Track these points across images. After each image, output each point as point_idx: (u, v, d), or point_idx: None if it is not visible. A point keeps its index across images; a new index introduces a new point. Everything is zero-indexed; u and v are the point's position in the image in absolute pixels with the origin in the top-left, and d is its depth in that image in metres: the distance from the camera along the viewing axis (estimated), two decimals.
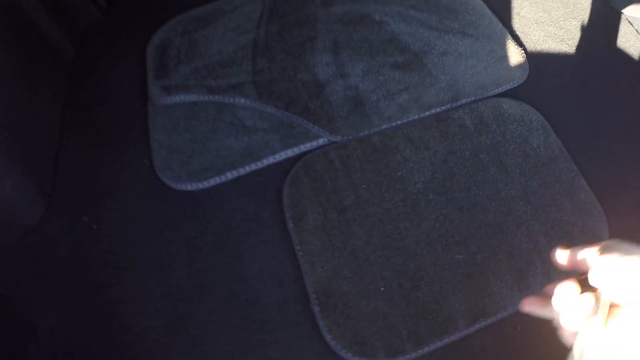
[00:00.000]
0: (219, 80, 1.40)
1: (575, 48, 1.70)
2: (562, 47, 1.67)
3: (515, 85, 1.51)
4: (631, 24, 1.83)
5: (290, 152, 1.29)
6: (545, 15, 1.79)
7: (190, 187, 1.27)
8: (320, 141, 1.31)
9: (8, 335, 1.20)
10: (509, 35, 1.62)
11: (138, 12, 1.74)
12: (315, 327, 1.11)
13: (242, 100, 1.36)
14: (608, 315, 0.48)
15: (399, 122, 1.35)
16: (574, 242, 1.19)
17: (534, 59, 1.61)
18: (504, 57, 1.57)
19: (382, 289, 1.12)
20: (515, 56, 1.56)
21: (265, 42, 1.48)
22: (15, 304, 1.24)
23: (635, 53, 1.72)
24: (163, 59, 1.47)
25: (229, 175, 1.27)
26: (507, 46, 1.58)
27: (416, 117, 1.37)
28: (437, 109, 1.39)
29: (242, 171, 1.27)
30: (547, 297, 0.53)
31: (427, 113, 1.38)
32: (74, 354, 1.17)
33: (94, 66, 1.57)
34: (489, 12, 1.69)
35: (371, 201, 1.22)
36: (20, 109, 1.32)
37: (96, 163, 1.38)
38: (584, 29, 1.78)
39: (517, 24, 1.72)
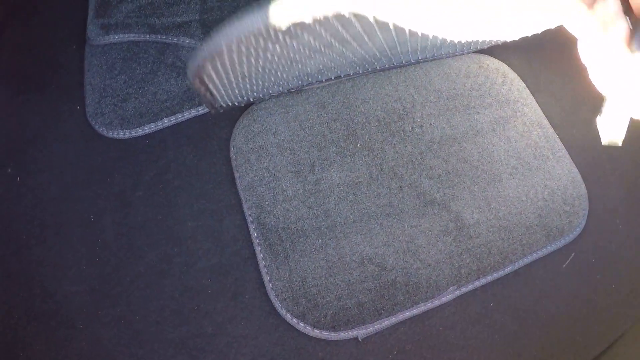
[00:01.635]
0: (164, 18, 1.24)
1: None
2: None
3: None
4: None
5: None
6: None
7: (122, 134, 1.12)
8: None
9: None
10: None
11: None
12: (263, 297, 0.96)
13: (187, 40, 1.20)
14: None
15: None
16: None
17: None
18: None
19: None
20: None
21: None
22: None
23: None
24: None
25: (166, 122, 1.12)
26: None
27: None
28: None
29: (180, 117, 1.12)
30: None
31: None
32: None
33: (33, 6, 1.41)
34: None
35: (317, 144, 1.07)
36: None
37: (25, 110, 1.23)
38: None
39: None
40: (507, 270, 1.01)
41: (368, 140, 1.11)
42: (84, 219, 1.08)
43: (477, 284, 1.00)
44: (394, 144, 1.11)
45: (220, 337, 0.96)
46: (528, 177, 1.10)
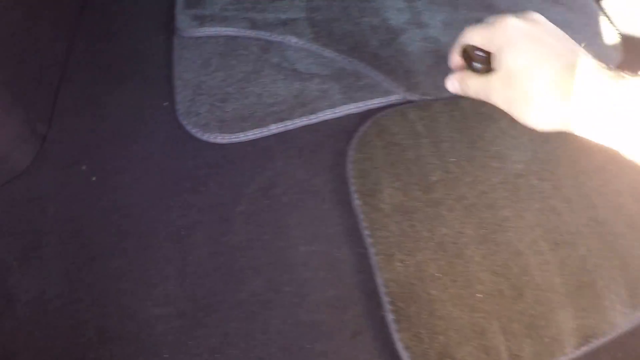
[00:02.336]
0: (266, 13, 1.12)
1: None
2: None
3: (611, 64, 1.25)
4: None
5: (354, 107, 1.00)
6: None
7: (221, 139, 0.99)
8: (393, 98, 1.02)
9: None
10: (602, 14, 1.37)
11: None
12: (386, 340, 0.82)
13: (294, 40, 1.07)
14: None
15: None
16: None
17: (627, 41, 1.37)
18: (599, 34, 1.32)
19: (480, 295, 0.83)
20: (609, 35, 1.32)
21: None
22: None
23: None
24: None
25: (273, 129, 0.99)
26: (602, 23, 1.34)
27: None
28: None
29: (290, 125, 0.99)
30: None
31: None
32: (56, 339, 0.89)
33: None
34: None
35: (464, 179, 0.93)
36: (21, 33, 1.05)
37: (104, 102, 1.11)
38: None
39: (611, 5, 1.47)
40: None
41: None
42: (173, 232, 0.95)
43: None
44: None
45: None
46: None
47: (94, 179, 1.03)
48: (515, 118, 0.65)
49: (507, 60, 0.63)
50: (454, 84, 0.74)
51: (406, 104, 1.03)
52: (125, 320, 0.90)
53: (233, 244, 0.91)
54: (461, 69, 0.74)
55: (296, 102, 1.00)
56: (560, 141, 1.03)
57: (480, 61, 0.69)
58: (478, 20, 1.14)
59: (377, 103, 1.01)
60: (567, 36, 0.66)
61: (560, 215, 0.94)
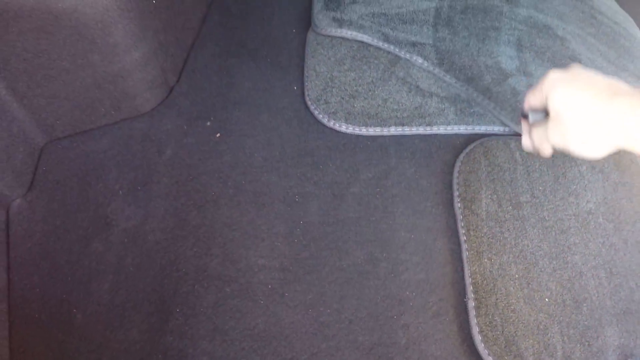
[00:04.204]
0: (398, 32, 1.26)
1: None
2: None
3: None
4: None
5: (464, 129, 1.15)
6: None
7: (346, 128, 1.11)
8: (498, 129, 1.17)
9: (75, 220, 1.02)
10: None
11: None
12: (462, 323, 0.94)
13: (420, 60, 1.21)
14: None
15: None
16: None
17: None
18: None
19: (547, 300, 0.96)
20: None
21: (448, 14, 1.35)
22: (97, 189, 1.06)
23: None
24: None
25: (393, 130, 1.12)
26: None
27: None
28: None
29: (408, 130, 1.12)
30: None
31: None
32: (148, 268, 0.98)
33: None
34: None
35: (546, 205, 1.08)
36: None
37: (235, 72, 1.23)
38: None
39: None
40: None
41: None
42: (288, 197, 1.06)
43: None
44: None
45: (411, 352, 0.93)
46: None
47: (218, 135, 1.14)
48: (572, 153, 0.73)
49: (553, 104, 0.71)
50: (525, 141, 0.84)
51: (509, 135, 1.16)
52: (227, 263, 1.00)
53: (342, 218, 1.03)
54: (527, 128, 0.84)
55: (416, 113, 1.13)
56: (625, 192, 1.17)
57: (535, 113, 0.79)
58: None
59: (483, 129, 1.15)
60: (603, 76, 0.72)
61: (618, 252, 1.08)
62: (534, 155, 1.12)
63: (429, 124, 1.12)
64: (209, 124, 1.16)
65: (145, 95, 1.16)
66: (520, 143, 1.10)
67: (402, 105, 1.14)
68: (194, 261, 1.01)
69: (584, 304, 1.00)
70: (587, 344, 0.96)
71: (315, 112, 1.13)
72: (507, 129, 1.17)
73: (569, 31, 1.48)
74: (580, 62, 1.39)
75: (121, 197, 1.08)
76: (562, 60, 1.37)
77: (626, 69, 1.47)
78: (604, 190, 1.16)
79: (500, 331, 0.93)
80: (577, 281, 1.01)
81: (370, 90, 1.16)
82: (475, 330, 0.92)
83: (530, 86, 1.22)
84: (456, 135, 1.14)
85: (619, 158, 1.23)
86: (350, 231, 1.02)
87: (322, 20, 1.26)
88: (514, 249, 1.00)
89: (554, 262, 1.02)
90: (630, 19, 1.72)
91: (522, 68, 1.29)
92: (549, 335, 0.95)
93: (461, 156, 1.09)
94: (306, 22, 1.32)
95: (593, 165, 1.18)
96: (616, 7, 1.74)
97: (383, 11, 1.30)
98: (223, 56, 1.27)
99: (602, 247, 1.08)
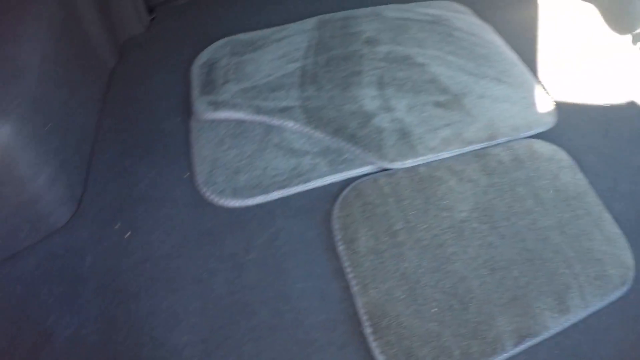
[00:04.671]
0: (268, 102, 1.41)
1: (598, 100, 1.79)
2: (586, 99, 1.75)
3: (545, 129, 1.57)
4: None
5: (337, 177, 1.29)
6: (572, 68, 1.86)
7: (234, 203, 1.25)
8: (368, 168, 1.32)
9: (21, 339, 1.14)
10: (539, 85, 1.68)
11: (180, 30, 1.76)
12: (365, 349, 1.08)
13: (291, 124, 1.36)
14: None
15: (442, 154, 1.39)
16: (606, 267, 1.25)
17: (560, 107, 1.68)
18: (534, 103, 1.64)
19: (434, 309, 1.11)
20: (544, 103, 1.62)
21: (313, 71, 1.51)
22: (33, 307, 1.18)
23: None
24: (210, 76, 1.48)
25: (276, 195, 1.26)
26: (538, 94, 1.65)
27: (457, 151, 1.41)
28: (477, 145, 1.44)
29: (288, 192, 1.27)
30: None
31: (468, 148, 1.42)
32: None
33: (135, 78, 1.57)
34: (520, 62, 1.76)
35: (420, 227, 1.23)
36: (61, 108, 1.31)
37: (133, 172, 1.36)
38: (609, 78, 1.87)
39: (546, 75, 1.79)
40: None
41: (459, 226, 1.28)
42: (196, 276, 1.20)
43: None
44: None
45: None
46: None
47: (128, 234, 1.27)
48: None
49: None
50: None
51: (379, 172, 1.32)
52: (157, 348, 1.13)
53: (245, 284, 1.17)
54: None
55: (293, 174, 1.28)
56: (495, 192, 1.33)
57: None
58: (436, 103, 1.46)
59: (355, 172, 1.30)
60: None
61: (497, 248, 1.23)
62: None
63: (306, 181, 1.27)
64: (118, 226, 1.29)
65: (58, 212, 1.29)
66: (388, 176, 1.26)
67: (280, 170, 1.29)
68: (129, 353, 1.14)
69: (471, 304, 1.14)
70: (481, 337, 1.11)
71: (206, 195, 1.27)
72: (375, 167, 1.32)
73: (429, 55, 1.64)
74: (440, 82, 1.56)
75: (57, 309, 1.20)
76: (423, 85, 1.54)
77: (486, 75, 1.64)
78: (474, 197, 1.32)
79: (397, 348, 1.07)
80: (461, 285, 1.16)
81: (250, 164, 1.30)
82: (376, 352, 1.07)
83: (393, 120, 1.38)
84: (332, 184, 1.29)
85: (485, 162, 1.39)
86: (254, 294, 1.16)
87: (200, 106, 1.41)
88: (395, 274, 1.15)
89: (436, 275, 1.17)
90: (487, 26, 1.90)
91: (385, 105, 1.45)
92: (442, 339, 1.09)
93: (337, 203, 1.24)
94: (190, 109, 1.47)
95: (461, 177, 1.34)
96: (472, 19, 1.91)
97: (253, 84, 1.46)
98: (120, 158, 1.40)
99: (480, 248, 1.23)
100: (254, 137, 1.35)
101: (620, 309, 1.21)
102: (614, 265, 1.26)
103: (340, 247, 1.18)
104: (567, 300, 1.18)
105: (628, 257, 1.29)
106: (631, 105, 1.82)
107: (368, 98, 1.46)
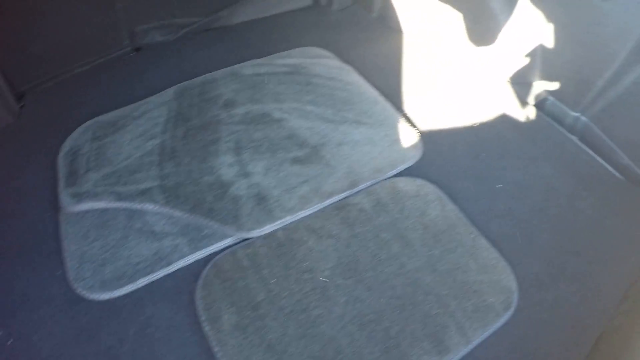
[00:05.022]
0: (128, 186, 1.47)
1: (465, 121, 1.87)
2: (453, 122, 1.83)
3: (411, 164, 1.65)
4: (520, 95, 2.03)
5: (199, 255, 1.37)
6: (436, 92, 1.95)
7: (104, 296, 1.32)
8: (228, 240, 1.39)
9: None
10: (402, 118, 1.78)
11: (50, 115, 1.80)
12: None
13: (151, 206, 1.43)
14: None
15: (301, 213, 1.46)
16: (485, 297, 1.33)
17: (427, 136, 1.76)
18: (398, 139, 1.71)
19: None
20: (408, 137, 1.71)
21: (171, 146, 1.58)
22: None
23: (521, 118, 1.92)
24: (73, 166, 1.53)
25: (142, 282, 1.33)
26: (400, 129, 1.73)
27: (317, 207, 1.48)
28: (337, 197, 1.51)
29: (154, 277, 1.34)
30: None
31: (327, 202, 1.50)
32: None
33: (6, 173, 1.60)
34: (382, 99, 1.85)
35: (282, 294, 1.30)
36: None
37: (8, 276, 1.41)
38: (474, 102, 1.96)
39: (409, 107, 1.88)
40: None
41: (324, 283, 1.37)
42: None
43: None
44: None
45: None
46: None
47: (10, 342, 1.33)
48: None
49: None
50: None
51: (237, 244, 1.40)
52: None
53: None
54: None
55: (156, 258, 1.35)
56: (358, 242, 1.42)
57: None
58: (294, 159, 1.55)
59: (216, 247, 1.38)
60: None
61: (364, 302, 1.31)
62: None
63: (169, 264, 1.35)
64: (0, 333, 1.34)
65: None
66: (246, 247, 1.34)
67: (143, 256, 1.36)
68: None
69: None
70: None
71: (78, 290, 1.34)
72: (234, 239, 1.40)
73: (287, 109, 1.73)
74: (298, 136, 1.65)
75: None
76: (281, 142, 1.63)
77: (346, 120, 1.73)
78: (336, 253, 1.40)
79: None
80: (330, 347, 1.24)
81: (115, 254, 1.37)
82: None
83: (250, 187, 1.46)
84: (195, 262, 1.37)
85: (346, 214, 1.48)
86: None
87: (65, 199, 1.46)
88: (260, 348, 1.23)
89: (303, 341, 1.24)
90: (348, 67, 1.99)
91: (242, 171, 1.53)
92: None
93: (198, 284, 1.33)
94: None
95: (320, 234, 1.44)
96: (333, 62, 2.00)
97: (114, 169, 1.52)
98: None
99: (346, 305, 1.31)
100: (117, 225, 1.42)
101: (507, 333, 1.32)
102: (493, 292, 1.35)
103: (206, 328, 1.26)
104: (446, 340, 1.26)
105: (509, 279, 1.39)
106: (500, 119, 1.93)
107: (225, 166, 1.54)
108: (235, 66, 1.93)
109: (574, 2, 1.88)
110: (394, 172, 1.63)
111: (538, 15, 1.97)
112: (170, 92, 1.79)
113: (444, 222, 1.50)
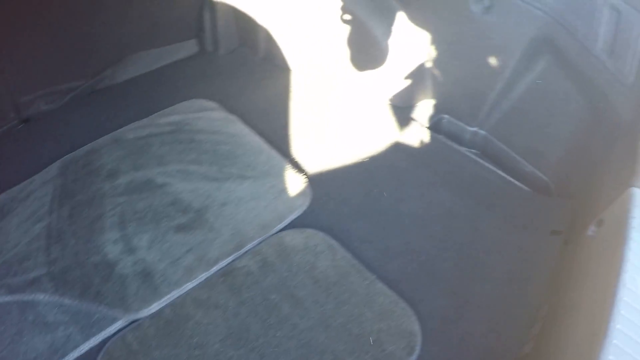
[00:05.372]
0: (18, 277, 1.52)
1: (355, 156, 1.89)
2: (343, 159, 1.87)
3: (299, 213, 1.70)
4: (413, 119, 2.08)
5: (92, 342, 1.41)
6: (324, 129, 2.00)
7: None
8: (118, 324, 1.44)
9: None
10: (289, 165, 1.84)
11: None
12: None
13: (41, 296, 1.49)
14: None
15: (187, 286, 1.51)
16: (384, 346, 1.35)
17: (316, 179, 1.80)
18: (284, 189, 1.77)
19: None
20: (295, 185, 1.77)
21: (57, 228, 1.63)
22: None
23: (415, 143, 1.98)
24: None
25: None
26: (287, 177, 1.80)
27: (203, 276, 1.53)
28: (223, 262, 1.56)
29: None
30: None
31: (214, 269, 1.55)
32: None
33: None
34: (267, 147, 1.92)
35: None
36: None
37: None
38: (364, 135, 1.98)
39: (297, 150, 1.93)
40: None
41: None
42: None
43: None
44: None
45: None
46: None
47: None
48: None
49: None
50: None
51: (126, 327, 1.45)
52: None
53: None
54: None
55: (51, 352, 1.40)
56: (247, 311, 1.44)
57: None
58: (178, 227, 1.59)
59: (107, 333, 1.43)
60: None
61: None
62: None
63: (64, 355, 1.39)
64: None
65: None
66: (136, 329, 1.39)
67: (39, 350, 1.40)
68: None
69: None
70: None
71: None
72: (124, 321, 1.45)
73: (170, 172, 1.79)
74: (181, 202, 1.71)
75: None
76: (164, 210, 1.69)
77: (230, 176, 1.79)
78: (225, 323, 1.43)
79: None
80: None
81: (12, 350, 1.39)
82: None
83: (135, 263, 1.52)
84: (90, 350, 1.42)
85: (233, 280, 1.51)
86: None
87: None
88: None
89: None
90: (232, 118, 2.04)
91: (127, 247, 1.59)
92: None
93: None
94: None
95: (207, 306, 1.46)
96: (217, 114, 2.05)
97: (3, 259, 1.56)
98: None
99: None
100: (11, 320, 1.47)
101: None
102: (393, 339, 1.37)
103: None
104: None
105: (410, 321, 1.40)
106: (393, 148, 1.97)
107: (110, 244, 1.60)
108: (119, 131, 1.97)
109: (456, 19, 1.95)
110: (282, 225, 1.67)
111: (422, 36, 2.04)
112: (55, 168, 1.83)
113: (336, 272, 1.52)
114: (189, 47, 2.43)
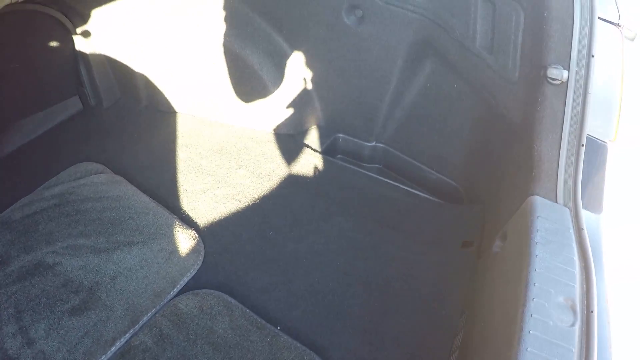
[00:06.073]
0: None
1: (247, 199, 1.88)
2: (234, 205, 1.86)
3: (193, 274, 1.73)
4: (307, 145, 2.03)
5: None
6: (211, 179, 1.99)
7: None
8: None
9: None
10: (178, 221, 1.86)
11: None
12: None
13: None
14: None
15: None
16: None
17: (208, 231, 1.79)
18: (175, 250, 1.80)
19: None
20: (186, 242, 1.80)
21: None
22: None
23: (309, 172, 1.94)
24: None
25: None
26: (176, 236, 1.82)
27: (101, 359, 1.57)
28: (119, 342, 1.60)
29: None
30: None
31: (111, 350, 1.58)
32: None
33: None
34: (153, 205, 1.95)
35: None
36: None
37: None
38: (255, 170, 1.96)
39: (186, 202, 1.94)
40: None
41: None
42: None
43: None
44: None
45: None
46: None
47: None
48: None
49: None
50: None
51: None
52: None
53: None
54: None
55: None
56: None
57: None
58: (72, 310, 1.64)
59: None
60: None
61: None
62: None
63: None
64: None
65: None
66: None
67: None
68: None
69: None
70: None
71: None
72: None
73: (59, 250, 1.82)
74: (73, 282, 1.74)
75: None
76: (57, 293, 1.74)
77: (118, 245, 1.83)
78: None
79: None
80: None
81: None
82: None
83: (37, 354, 1.58)
84: None
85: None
86: None
87: None
88: None
89: None
90: (116, 178, 2.06)
91: (25, 339, 1.64)
92: None
93: None
94: None
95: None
96: (102, 177, 2.05)
97: None
98: None
99: None
100: None
101: None
102: None
103: None
104: None
105: None
106: (286, 181, 1.94)
107: (9, 338, 1.65)
108: (5, 213, 1.98)
109: (332, 35, 1.93)
110: (176, 290, 1.69)
111: (301, 59, 2.02)
112: None
113: (235, 333, 1.51)
114: (72, 105, 2.43)
